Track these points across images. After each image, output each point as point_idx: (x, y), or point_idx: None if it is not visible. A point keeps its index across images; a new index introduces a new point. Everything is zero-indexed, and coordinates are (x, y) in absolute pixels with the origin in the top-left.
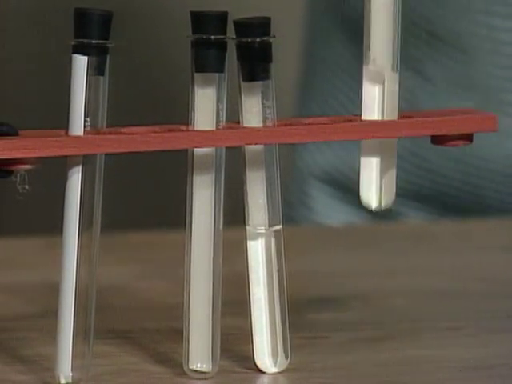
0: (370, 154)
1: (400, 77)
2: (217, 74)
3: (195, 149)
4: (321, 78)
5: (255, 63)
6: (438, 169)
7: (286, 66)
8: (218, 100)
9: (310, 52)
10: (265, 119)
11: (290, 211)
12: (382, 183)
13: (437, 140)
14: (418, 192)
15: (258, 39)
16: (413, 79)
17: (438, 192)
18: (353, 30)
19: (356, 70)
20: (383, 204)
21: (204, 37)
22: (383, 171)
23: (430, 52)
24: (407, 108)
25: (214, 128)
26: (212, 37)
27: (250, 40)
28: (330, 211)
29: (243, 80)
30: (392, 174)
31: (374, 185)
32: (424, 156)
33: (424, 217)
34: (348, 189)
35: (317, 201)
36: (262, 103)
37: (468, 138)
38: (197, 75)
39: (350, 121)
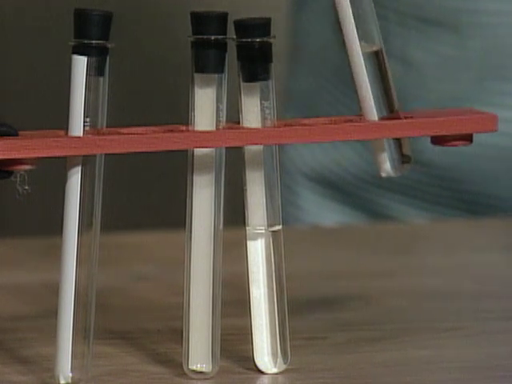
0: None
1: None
2: (217, 75)
3: (195, 149)
4: (307, 76)
5: (255, 63)
6: (435, 161)
7: (278, 68)
8: (218, 100)
9: (296, 51)
10: (264, 119)
11: None
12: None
13: (436, 140)
14: (414, 187)
15: (258, 39)
16: (399, 70)
17: (435, 186)
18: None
19: (342, 70)
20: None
21: (204, 37)
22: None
23: (418, 38)
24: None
25: (214, 128)
26: (212, 37)
27: (250, 40)
28: (319, 210)
29: (243, 80)
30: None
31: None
32: (421, 149)
33: (422, 214)
34: (337, 187)
35: (305, 199)
36: (262, 103)
37: (468, 138)
38: (197, 75)
39: (350, 121)
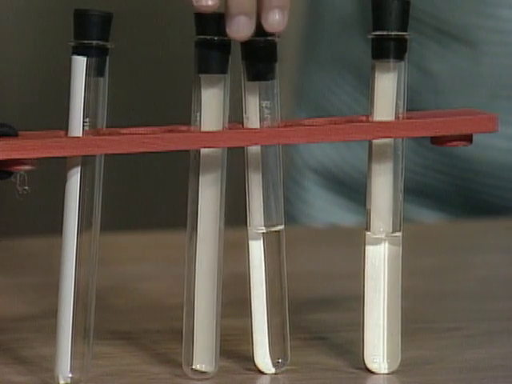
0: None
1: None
2: (220, 75)
3: (202, 149)
4: (319, 74)
5: (260, 63)
6: (439, 165)
7: (290, 66)
8: (221, 100)
9: (309, 49)
10: (268, 119)
11: (287, 206)
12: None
13: (436, 141)
14: (425, 190)
15: (262, 39)
16: (416, 77)
17: (444, 190)
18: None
19: (356, 67)
20: None
21: (208, 37)
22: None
23: (436, 48)
24: (410, 107)
25: (220, 128)
26: (216, 38)
27: (254, 39)
28: (328, 206)
29: (248, 80)
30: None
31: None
32: (426, 153)
33: (434, 214)
34: (347, 184)
35: (315, 195)
36: (266, 103)
37: (467, 138)
38: (201, 76)
39: (350, 121)
